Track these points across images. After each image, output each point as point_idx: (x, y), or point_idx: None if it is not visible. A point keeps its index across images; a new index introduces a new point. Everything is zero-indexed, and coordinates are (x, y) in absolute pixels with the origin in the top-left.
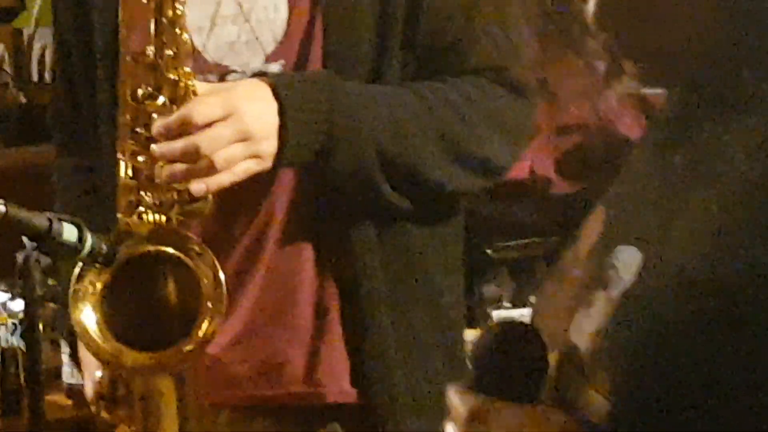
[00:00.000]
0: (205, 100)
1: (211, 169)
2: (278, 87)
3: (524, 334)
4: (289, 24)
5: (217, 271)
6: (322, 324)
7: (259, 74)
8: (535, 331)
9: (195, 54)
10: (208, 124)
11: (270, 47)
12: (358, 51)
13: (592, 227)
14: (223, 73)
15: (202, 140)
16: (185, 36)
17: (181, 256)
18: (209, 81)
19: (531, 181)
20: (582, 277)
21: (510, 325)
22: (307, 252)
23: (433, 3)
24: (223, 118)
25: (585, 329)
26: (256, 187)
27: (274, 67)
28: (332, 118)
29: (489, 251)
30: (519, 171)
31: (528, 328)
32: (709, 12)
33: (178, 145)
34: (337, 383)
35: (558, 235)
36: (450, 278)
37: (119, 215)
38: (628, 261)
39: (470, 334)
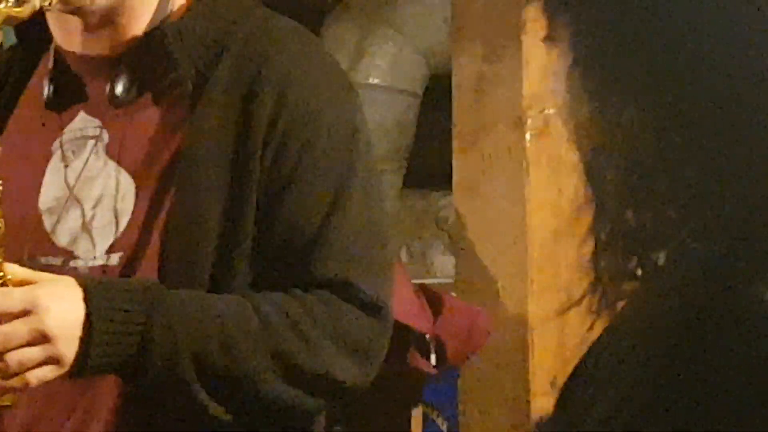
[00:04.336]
0: (5, 292)
1: (3, 370)
2: (91, 292)
3: None
4: (133, 215)
5: None
6: None
7: (100, 266)
8: None
9: (43, 236)
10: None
11: (111, 238)
12: (198, 261)
13: None
14: (67, 258)
15: None
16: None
17: None
18: (52, 265)
19: None
20: None
21: None
22: None
23: (285, 214)
24: (22, 314)
25: None
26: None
27: (114, 258)
28: (146, 331)
29: None
30: None
31: None
32: None
33: None
34: None
35: None
36: None
37: None
38: None
39: None
